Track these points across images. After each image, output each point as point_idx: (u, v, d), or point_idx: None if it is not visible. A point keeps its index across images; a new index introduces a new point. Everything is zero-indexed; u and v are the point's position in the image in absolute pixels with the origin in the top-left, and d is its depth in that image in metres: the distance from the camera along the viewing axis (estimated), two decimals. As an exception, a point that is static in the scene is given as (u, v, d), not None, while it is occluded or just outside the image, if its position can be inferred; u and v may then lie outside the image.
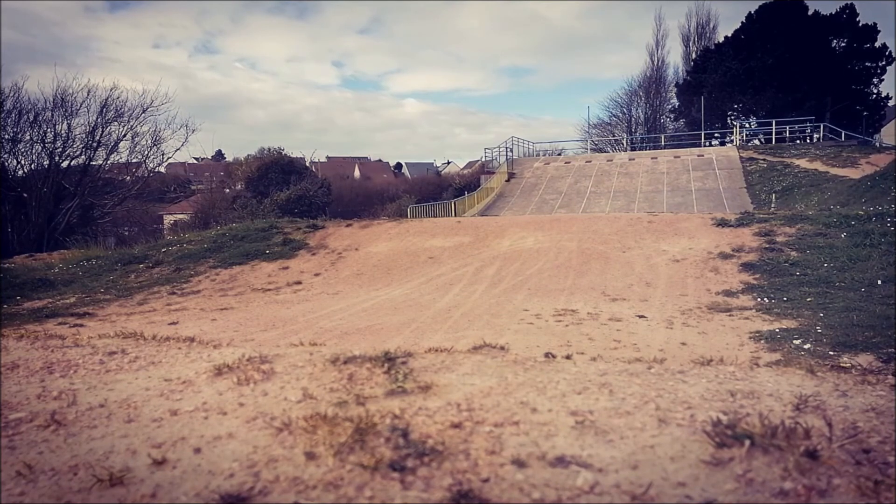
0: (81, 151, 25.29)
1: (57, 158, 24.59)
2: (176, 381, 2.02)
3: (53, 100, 24.27)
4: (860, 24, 35.45)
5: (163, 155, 28.53)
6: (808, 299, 8.09)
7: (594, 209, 22.96)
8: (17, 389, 1.93)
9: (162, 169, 35.91)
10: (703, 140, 34.39)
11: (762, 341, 6.29)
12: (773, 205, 20.43)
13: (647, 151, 32.78)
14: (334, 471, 1.28)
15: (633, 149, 37.71)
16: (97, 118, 25.29)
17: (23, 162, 24.90)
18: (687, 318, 7.64)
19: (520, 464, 1.34)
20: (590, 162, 30.32)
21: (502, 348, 2.54)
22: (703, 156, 28.70)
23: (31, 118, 24.13)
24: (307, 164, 41.56)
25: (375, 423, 1.50)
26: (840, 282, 8.74)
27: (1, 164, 23.66)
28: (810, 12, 35.73)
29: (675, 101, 44.02)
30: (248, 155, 42.88)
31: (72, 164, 25.26)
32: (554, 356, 2.49)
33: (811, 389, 1.81)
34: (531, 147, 35.13)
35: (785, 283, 9.08)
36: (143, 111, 26.29)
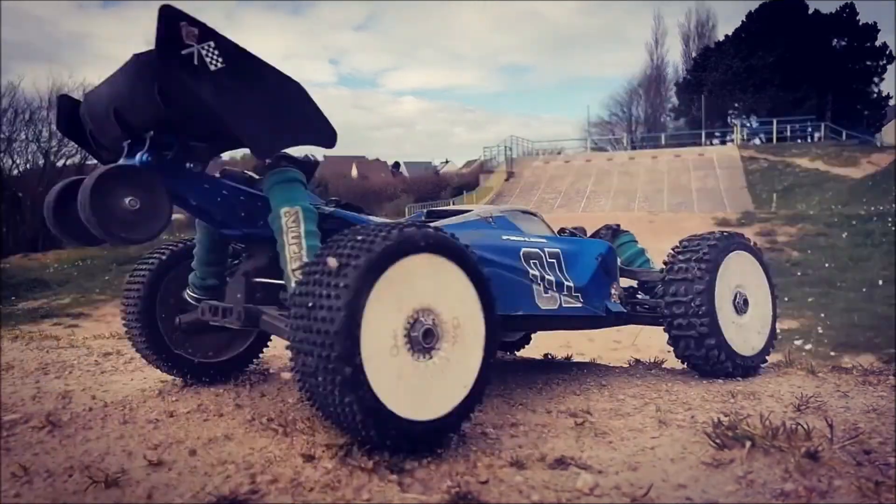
0: (77, 150, 25.31)
1: (52, 158, 24.60)
2: (172, 383, 2.01)
3: (49, 98, 24.28)
4: (860, 24, 35.46)
5: (159, 154, 28.51)
6: (810, 300, 8.09)
7: (594, 209, 22.95)
8: (12, 391, 1.92)
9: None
10: (703, 139, 34.38)
11: (762, 341, 6.27)
12: (774, 204, 20.42)
13: (648, 151, 32.76)
14: (332, 472, 1.27)
15: (633, 148, 37.69)
16: (93, 117, 25.33)
17: (18, 161, 24.94)
18: (687, 317, 7.62)
19: (519, 465, 1.33)
20: (590, 161, 30.31)
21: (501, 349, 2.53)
22: (703, 155, 28.70)
23: (27, 117, 24.14)
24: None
25: (373, 425, 1.48)
26: (841, 282, 8.74)
27: (-4, 164, 23.70)
28: (811, 11, 35.74)
29: (675, 100, 44.03)
30: (245, 154, 42.84)
31: (67, 163, 25.27)
32: (553, 357, 2.48)
33: (812, 390, 1.80)
34: (531, 146, 35.14)
35: (786, 283, 9.07)
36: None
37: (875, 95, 36.58)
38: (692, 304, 1.96)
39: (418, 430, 1.29)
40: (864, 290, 8.23)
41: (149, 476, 1.31)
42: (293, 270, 1.43)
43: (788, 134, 31.13)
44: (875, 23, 35.37)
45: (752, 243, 2.25)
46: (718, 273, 2.01)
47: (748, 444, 1.32)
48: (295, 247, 1.45)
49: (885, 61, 35.64)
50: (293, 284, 1.40)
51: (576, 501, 1.18)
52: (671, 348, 2.10)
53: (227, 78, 1.22)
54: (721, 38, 40.35)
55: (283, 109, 1.33)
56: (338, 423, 1.29)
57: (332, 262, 1.20)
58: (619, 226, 2.60)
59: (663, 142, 35.81)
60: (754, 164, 26.71)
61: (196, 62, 1.18)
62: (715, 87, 36.49)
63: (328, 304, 1.19)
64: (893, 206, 12.91)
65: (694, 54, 43.04)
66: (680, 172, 26.90)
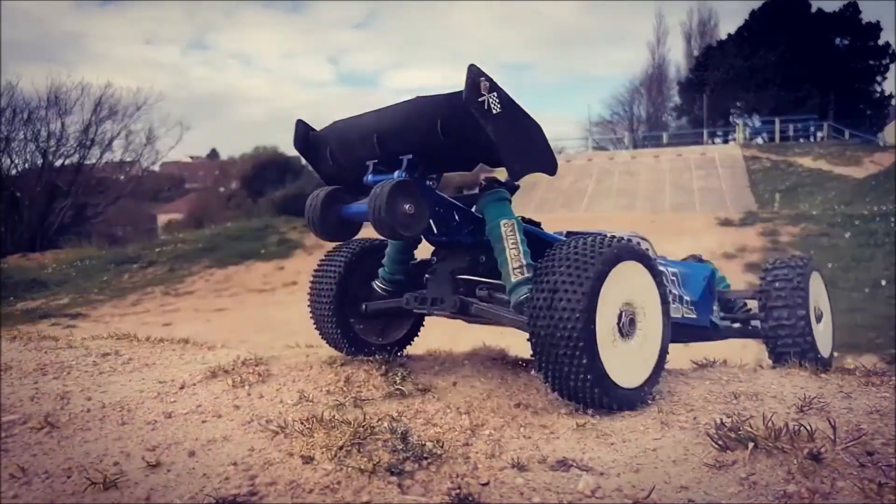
0: (75, 150, 25.34)
1: (50, 157, 24.62)
2: (170, 384, 2.00)
3: (47, 98, 24.29)
4: (863, 22, 35.39)
5: (157, 153, 28.64)
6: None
7: (595, 209, 22.92)
8: (10, 391, 1.91)
9: (156, 168, 35.98)
10: (705, 138, 34.34)
11: (765, 341, 6.26)
12: (776, 204, 20.38)
13: (650, 150, 32.71)
14: (331, 474, 1.26)
15: (635, 147, 37.63)
16: (91, 116, 25.33)
17: (16, 161, 24.96)
18: (689, 317, 7.62)
19: (520, 467, 1.32)
20: (591, 160, 30.27)
21: (502, 350, 2.52)
22: (705, 154, 28.64)
23: (25, 117, 24.14)
24: (303, 162, 41.31)
25: (373, 426, 1.48)
26: (844, 282, 8.73)
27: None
28: (813, 10, 35.67)
29: (677, 99, 43.96)
30: (244, 153, 42.67)
31: (65, 162, 25.28)
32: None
33: (815, 391, 1.79)
34: (532, 146, 35.00)
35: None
36: (137, 109, 26.36)
37: (878, 95, 36.50)
38: (793, 314, 2.37)
39: (628, 396, 1.67)
40: (866, 290, 8.22)
41: (147, 477, 1.30)
42: (514, 269, 1.78)
43: (791, 133, 31.06)
44: (878, 21, 35.27)
45: (820, 266, 2.75)
46: (809, 290, 2.48)
47: (751, 445, 1.31)
48: (514, 251, 1.79)
49: (887, 60, 35.55)
50: (513, 279, 1.77)
51: (577, 503, 1.17)
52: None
53: (502, 119, 1.61)
54: (723, 36, 40.27)
55: (529, 143, 1.72)
56: (573, 395, 1.64)
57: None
58: (701, 256, 3.07)
59: (665, 141, 35.75)
60: (757, 163, 26.65)
61: (486, 107, 1.58)
62: (717, 86, 36.42)
63: (571, 307, 1.55)
64: (896, 205, 12.89)
65: (696, 53, 42.94)
66: (682, 172, 26.85)
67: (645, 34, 68.52)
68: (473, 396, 1.80)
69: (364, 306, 2.16)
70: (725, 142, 35.15)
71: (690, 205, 22.40)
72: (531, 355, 1.68)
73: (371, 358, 2.13)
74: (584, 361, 1.55)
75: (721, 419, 1.48)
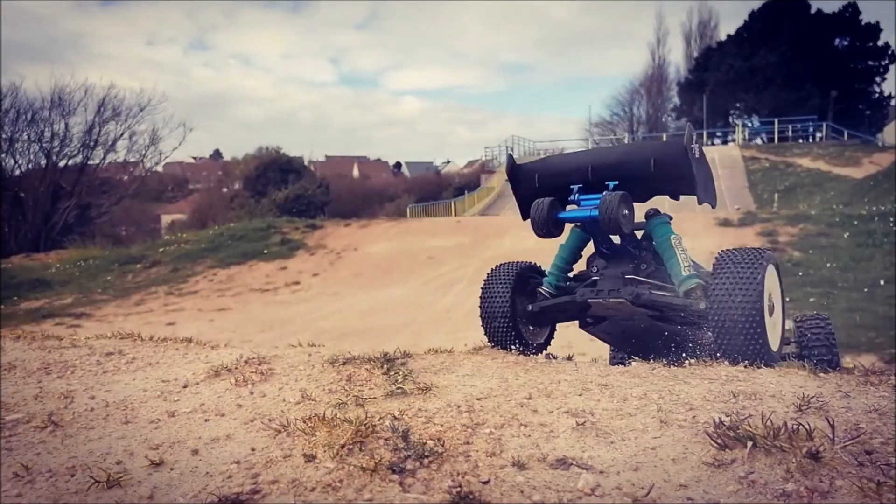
0: (79, 151, 25.34)
1: (54, 158, 24.62)
2: (173, 383, 2.01)
3: (51, 99, 24.29)
4: (862, 23, 35.39)
5: (160, 154, 28.64)
6: (811, 300, 8.08)
7: (595, 209, 22.89)
8: (14, 390, 1.92)
9: (159, 168, 35.98)
10: (705, 139, 34.34)
11: (764, 341, 6.25)
12: (775, 204, 20.39)
13: (649, 151, 32.65)
14: (333, 473, 1.27)
15: (634, 148, 37.51)
16: (94, 117, 25.34)
17: (20, 161, 24.97)
18: (688, 317, 7.61)
19: (520, 466, 1.33)
20: (591, 161, 30.21)
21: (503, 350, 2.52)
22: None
23: (29, 117, 24.14)
24: (305, 163, 41.35)
25: (374, 425, 1.49)
26: (843, 282, 8.73)
27: (-2, 164, 23.73)
28: (813, 10, 35.67)
29: (676, 100, 43.95)
30: (246, 154, 42.68)
31: (69, 163, 25.27)
32: (555, 357, 2.48)
33: (814, 390, 1.80)
34: (532, 146, 35.05)
35: (787, 283, 9.05)
36: (141, 110, 26.37)
37: (877, 95, 36.50)
38: (824, 330, 3.18)
39: (775, 356, 2.21)
40: (865, 290, 8.23)
41: (150, 476, 1.31)
42: (684, 266, 2.32)
43: (790, 134, 31.05)
44: (877, 22, 35.30)
45: None
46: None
47: (750, 444, 1.32)
48: (682, 254, 2.36)
49: (887, 61, 35.54)
50: (683, 273, 2.30)
51: (577, 502, 1.18)
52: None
53: (700, 162, 2.29)
54: (723, 37, 40.31)
55: (709, 181, 2.42)
56: (743, 355, 2.11)
57: None
58: None
59: (665, 142, 35.62)
60: (756, 163, 26.65)
61: (693, 152, 2.24)
62: (717, 87, 36.41)
63: (749, 293, 2.08)
64: (895, 205, 12.89)
65: (696, 54, 42.94)
66: (681, 172, 26.81)
67: (645, 34, 68.60)
68: (473, 395, 1.81)
69: (530, 306, 2.56)
70: (725, 142, 35.14)
71: (690, 205, 22.37)
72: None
73: (371, 358, 2.13)
74: (757, 330, 2.07)
75: (720, 418, 1.48)
